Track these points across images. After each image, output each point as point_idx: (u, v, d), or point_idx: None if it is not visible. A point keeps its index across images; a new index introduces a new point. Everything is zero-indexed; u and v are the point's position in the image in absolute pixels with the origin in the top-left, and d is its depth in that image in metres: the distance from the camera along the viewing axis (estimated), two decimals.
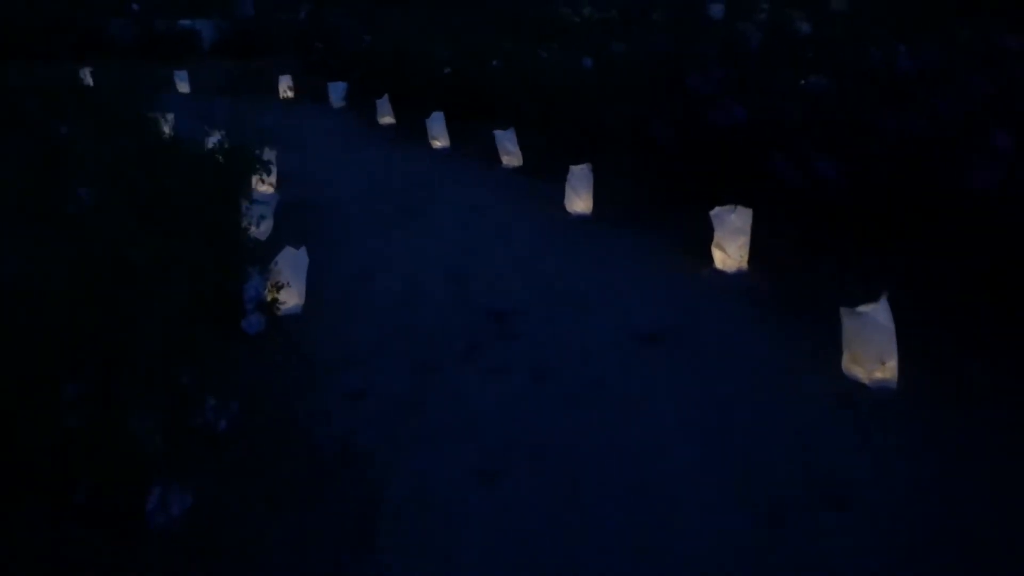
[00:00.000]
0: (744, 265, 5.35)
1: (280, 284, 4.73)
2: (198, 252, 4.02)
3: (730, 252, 5.35)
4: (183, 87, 16.13)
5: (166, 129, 10.16)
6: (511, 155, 8.59)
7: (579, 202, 6.81)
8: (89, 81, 16.86)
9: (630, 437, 3.40)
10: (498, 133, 8.62)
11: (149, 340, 2.95)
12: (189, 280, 3.52)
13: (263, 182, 7.64)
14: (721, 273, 5.32)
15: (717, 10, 11.44)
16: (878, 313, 3.80)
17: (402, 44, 12.52)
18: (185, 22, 21.22)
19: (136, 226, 3.62)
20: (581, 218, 6.72)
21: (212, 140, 7.90)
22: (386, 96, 11.42)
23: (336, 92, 13.14)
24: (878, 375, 3.80)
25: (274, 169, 7.74)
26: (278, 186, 7.77)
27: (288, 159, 9.13)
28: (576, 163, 6.96)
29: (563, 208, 6.86)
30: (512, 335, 4.43)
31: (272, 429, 3.49)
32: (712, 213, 5.37)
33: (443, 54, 11.24)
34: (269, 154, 7.67)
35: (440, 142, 9.79)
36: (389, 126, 11.31)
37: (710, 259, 5.41)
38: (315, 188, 7.98)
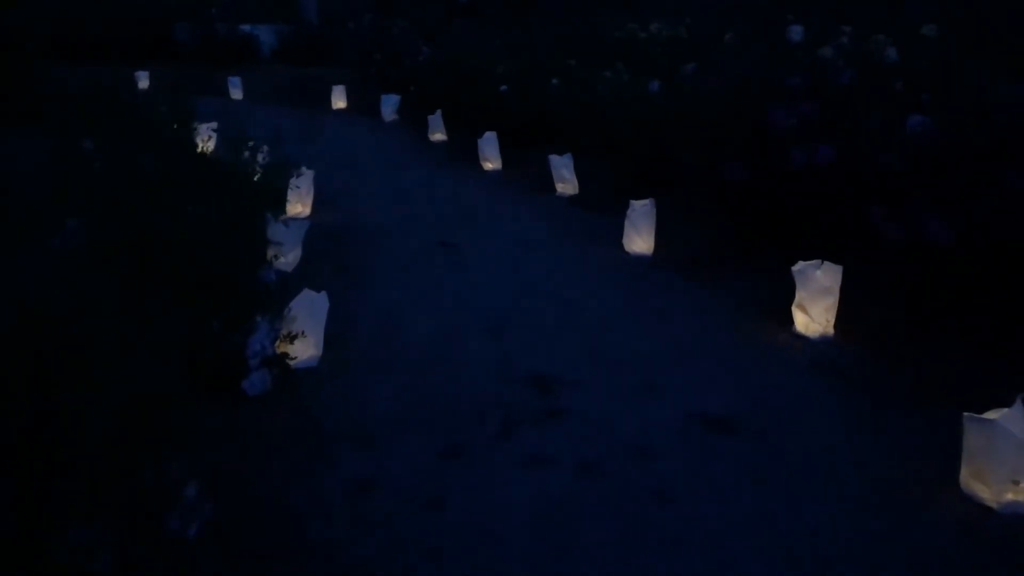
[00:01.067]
0: (830, 330, 4.61)
1: (294, 334, 4.14)
2: (192, 306, 3.45)
3: (814, 315, 4.62)
4: (236, 93, 15.82)
5: (204, 141, 9.74)
6: (567, 183, 7.94)
7: (639, 241, 6.13)
8: (145, 84, 16.73)
9: (694, 570, 2.71)
10: (554, 158, 7.97)
11: (97, 429, 2.35)
12: (172, 343, 2.93)
13: (297, 203, 7.10)
14: (803, 339, 4.59)
15: (797, 31, 10.64)
16: (1011, 421, 3.06)
17: (458, 58, 11.97)
18: (245, 27, 21.02)
19: (111, 276, 3.04)
20: (641, 260, 6.03)
21: (250, 156, 7.42)
22: (438, 112, 10.87)
23: (388, 105, 12.64)
24: (1009, 497, 3.05)
25: (311, 190, 7.21)
26: (314, 209, 7.23)
27: (329, 177, 8.61)
28: (638, 197, 6.28)
29: (621, 247, 6.19)
30: (556, 411, 3.76)
31: (255, 532, 2.87)
32: (795, 268, 4.65)
33: (501, 70, 10.64)
34: (306, 174, 7.15)
35: (492, 164, 9.18)
36: (440, 144, 10.75)
37: (789, 320, 4.69)
38: (354, 212, 7.42)
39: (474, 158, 9.34)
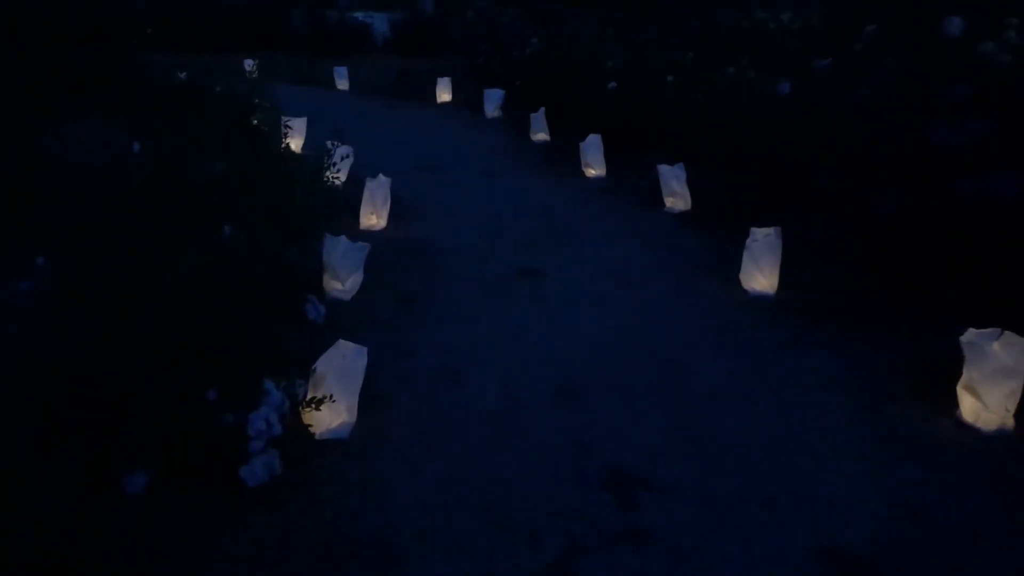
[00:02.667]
0: (1009, 423, 3.53)
1: (320, 399, 3.37)
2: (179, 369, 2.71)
3: (989, 401, 3.54)
4: (342, 84, 15.37)
5: (290, 139, 9.17)
6: (677, 197, 6.94)
7: (760, 278, 5.11)
8: (254, 73, 16.48)
9: None
10: (663, 169, 6.99)
11: None
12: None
13: (372, 215, 6.38)
14: (973, 432, 3.52)
15: (955, 24, 9.24)
16: None
17: (564, 51, 11.04)
18: (358, 14, 20.66)
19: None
20: (760, 302, 5.01)
21: (335, 157, 6.75)
22: (542, 110, 9.99)
23: (492, 100, 11.84)
24: None
25: (388, 199, 6.47)
26: (390, 221, 6.49)
27: (415, 183, 7.90)
28: (759, 218, 5.28)
29: (737, 283, 5.19)
30: (637, 534, 2.85)
31: None
32: (965, 340, 3.58)
33: (610, 65, 9.66)
34: (383, 182, 6.41)
35: (595, 171, 8.25)
36: (541, 145, 9.87)
37: (952, 402, 3.63)
38: (433, 226, 6.62)
39: (577, 162, 8.43)
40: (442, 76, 13.94)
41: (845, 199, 5.03)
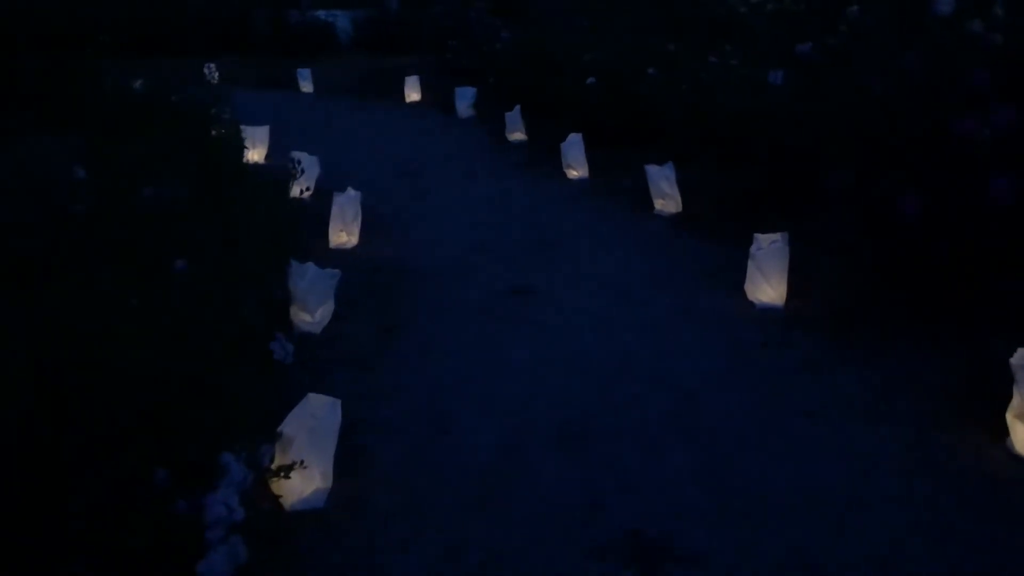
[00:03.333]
0: None
1: (289, 466, 2.91)
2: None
3: None
4: (306, 86, 14.82)
5: (252, 151, 8.66)
6: (667, 199, 6.52)
7: (767, 289, 4.69)
8: (214, 78, 15.88)
9: None
10: (652, 169, 6.56)
11: None
12: None
13: (343, 232, 5.90)
14: None
15: (945, 2, 8.88)
16: None
17: (538, 44, 10.59)
18: (321, 13, 20.06)
19: None
20: (770, 316, 4.60)
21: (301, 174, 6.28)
22: (517, 108, 9.53)
23: (464, 99, 11.36)
24: None
25: (359, 215, 6.00)
26: (362, 238, 6.01)
27: (389, 191, 7.44)
28: (758, 220, 4.88)
29: (742, 294, 4.77)
30: None
31: None
32: (1015, 361, 3.18)
33: (588, 58, 9.22)
34: (352, 196, 5.94)
35: (577, 172, 7.81)
36: (519, 145, 9.42)
37: (1001, 431, 3.23)
38: (411, 240, 6.16)
39: (557, 163, 7.98)
40: (410, 75, 13.45)
41: (861, 198, 4.62)
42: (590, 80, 8.50)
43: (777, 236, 4.69)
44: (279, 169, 6.20)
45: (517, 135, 9.55)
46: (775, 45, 9.91)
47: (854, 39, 8.94)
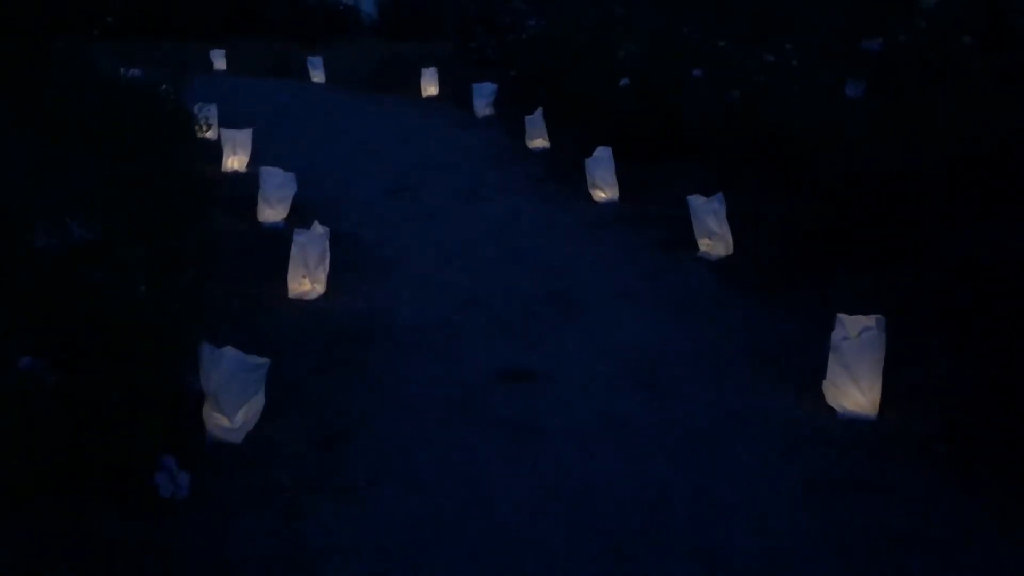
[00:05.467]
0: None
1: None
2: None
3: None
4: (317, 76, 13.66)
5: (231, 156, 7.50)
6: (715, 238, 5.24)
7: (855, 392, 3.41)
8: (222, 65, 14.81)
9: None
10: (696, 201, 5.27)
11: None
12: None
13: (305, 279, 4.70)
14: None
15: None
16: None
17: (567, 36, 9.29)
18: None
19: None
20: (861, 428, 3.33)
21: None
22: (539, 111, 8.26)
23: (482, 96, 10.09)
24: None
25: (327, 255, 4.79)
26: (333, 280, 4.81)
27: (380, 213, 6.28)
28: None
29: (819, 394, 3.51)
30: None
31: None
32: None
33: (622, 54, 7.91)
34: (319, 234, 4.74)
35: (604, 193, 6.54)
36: (539, 154, 8.16)
37: None
38: (390, 286, 4.94)
39: (581, 179, 6.72)
40: (429, 65, 12.21)
41: (982, 255, 3.32)
42: (624, 82, 7.20)
43: (870, 321, 3.40)
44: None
45: (538, 142, 8.29)
46: (836, 40, 8.52)
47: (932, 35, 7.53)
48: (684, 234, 5.46)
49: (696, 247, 5.31)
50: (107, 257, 3.04)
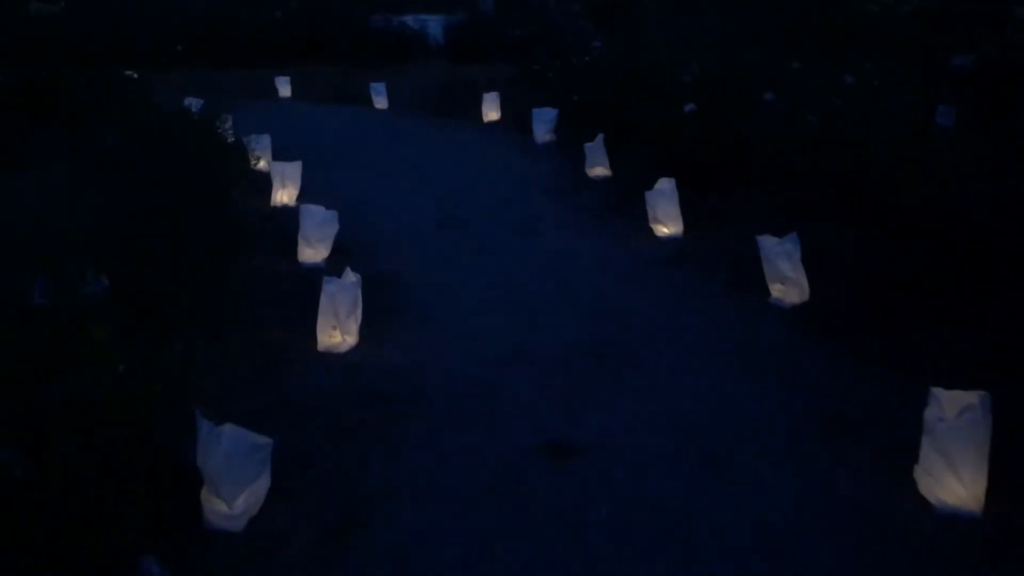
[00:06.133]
0: None
1: None
2: None
3: None
4: (380, 102, 13.47)
5: (281, 190, 7.25)
6: (788, 283, 4.71)
7: (954, 484, 2.88)
8: (287, 92, 14.78)
9: None
10: (768, 243, 4.76)
11: None
12: None
13: (336, 331, 4.35)
14: None
15: None
16: None
17: (630, 59, 8.85)
18: (409, 19, 18.76)
19: None
20: (959, 528, 2.80)
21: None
22: (600, 138, 7.83)
23: (542, 122, 9.70)
24: None
25: (358, 303, 4.44)
26: (365, 329, 4.44)
27: (430, 248, 5.97)
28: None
29: (910, 481, 2.99)
30: None
31: None
32: None
33: (688, 79, 7.44)
34: (349, 283, 4.39)
35: (667, 229, 6.06)
36: (600, 183, 7.71)
37: None
38: (431, 336, 4.54)
39: (643, 211, 6.24)
40: (491, 89, 11.89)
41: None
42: (689, 107, 6.72)
43: (972, 398, 2.87)
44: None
45: (599, 170, 7.85)
46: (922, 57, 7.91)
47: None
48: (754, 275, 4.95)
49: (767, 292, 4.80)
50: (80, 333, 2.70)
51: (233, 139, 8.98)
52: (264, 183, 7.47)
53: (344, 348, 4.34)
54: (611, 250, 5.90)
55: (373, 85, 13.68)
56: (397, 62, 16.67)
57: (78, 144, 7.96)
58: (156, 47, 16.98)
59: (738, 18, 10.08)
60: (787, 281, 4.68)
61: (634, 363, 4.15)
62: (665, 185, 6.03)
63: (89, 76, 12.26)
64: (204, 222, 5.31)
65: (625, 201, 6.86)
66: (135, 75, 13.98)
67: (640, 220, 6.26)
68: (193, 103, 10.68)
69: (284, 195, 7.36)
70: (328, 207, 5.76)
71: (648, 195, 6.08)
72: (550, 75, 11.80)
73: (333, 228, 5.72)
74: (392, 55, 16.92)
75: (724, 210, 6.13)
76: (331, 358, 4.28)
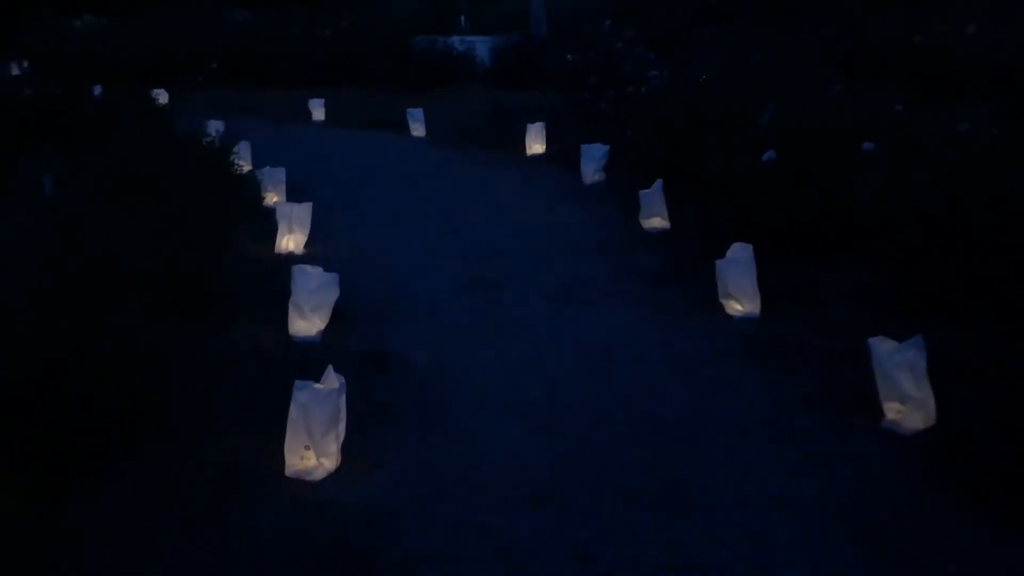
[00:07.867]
0: None
1: None
2: None
3: None
4: (417, 130, 12.50)
5: (287, 235, 6.28)
6: (908, 403, 3.55)
7: None
8: (320, 116, 13.95)
9: None
10: (880, 346, 3.61)
11: None
12: None
13: (309, 452, 3.31)
14: None
15: None
16: None
17: (694, 91, 7.75)
18: (455, 40, 17.86)
19: None
20: None
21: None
22: (658, 183, 6.74)
23: (591, 160, 8.62)
24: None
25: (337, 418, 3.41)
26: (352, 445, 3.39)
27: (448, 320, 4.92)
28: None
29: None
30: None
31: None
32: None
33: (765, 120, 6.31)
34: (324, 394, 3.36)
35: (741, 306, 4.93)
36: (657, 238, 6.60)
37: None
38: (431, 467, 3.49)
39: (710, 279, 5.13)
40: (536, 118, 10.87)
41: None
42: (768, 155, 5.59)
43: None
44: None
45: (655, 221, 6.75)
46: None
47: None
48: (855, 380, 3.83)
49: (878, 410, 3.65)
50: None
51: (247, 170, 8.14)
52: (274, 223, 6.52)
53: (319, 475, 3.29)
54: (673, 332, 4.79)
55: (410, 111, 12.73)
56: (438, 85, 15.77)
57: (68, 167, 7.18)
58: (191, 64, 16.35)
59: (823, 54, 8.87)
60: (909, 401, 3.52)
61: (699, 513, 3.04)
62: (740, 253, 4.91)
63: (114, 93, 11.60)
64: (174, 287, 4.34)
65: (688, 263, 5.77)
66: (163, 93, 13.32)
67: (707, 289, 5.15)
68: (215, 127, 9.89)
69: (290, 241, 6.40)
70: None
71: (719, 264, 4.96)
72: (603, 106, 10.73)
73: (332, 295, 4.71)
74: (435, 79, 16.01)
75: (810, 288, 5.00)
76: (299, 488, 3.24)
